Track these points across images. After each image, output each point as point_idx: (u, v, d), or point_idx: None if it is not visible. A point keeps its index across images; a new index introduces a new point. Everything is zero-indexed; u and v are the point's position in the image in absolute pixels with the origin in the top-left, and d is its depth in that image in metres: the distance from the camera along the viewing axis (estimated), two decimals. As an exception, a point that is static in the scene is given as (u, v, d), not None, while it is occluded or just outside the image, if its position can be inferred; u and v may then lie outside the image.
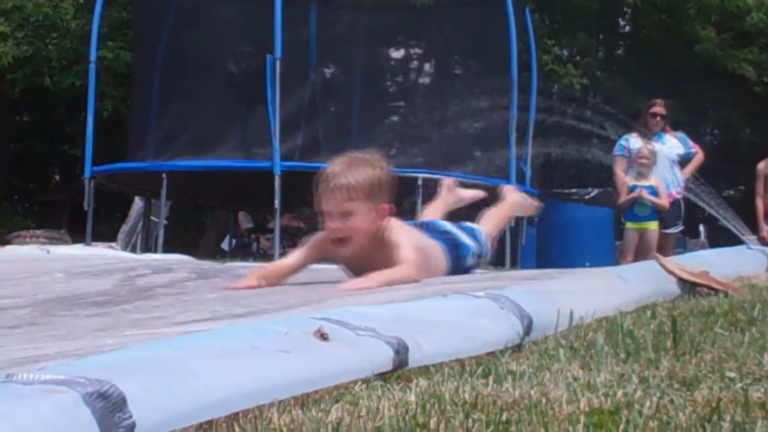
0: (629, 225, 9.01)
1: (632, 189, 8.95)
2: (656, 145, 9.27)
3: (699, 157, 9.52)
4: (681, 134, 9.61)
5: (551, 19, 18.25)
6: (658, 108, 9.38)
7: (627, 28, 20.10)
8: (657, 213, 8.97)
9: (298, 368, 1.72)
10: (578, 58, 18.16)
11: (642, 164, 8.96)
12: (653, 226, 8.96)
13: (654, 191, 8.94)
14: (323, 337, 1.85)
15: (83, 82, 13.62)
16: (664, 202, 8.92)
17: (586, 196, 13.06)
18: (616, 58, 19.75)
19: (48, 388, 1.28)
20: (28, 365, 1.81)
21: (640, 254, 8.54)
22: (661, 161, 9.25)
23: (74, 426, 1.24)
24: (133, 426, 1.31)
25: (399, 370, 1.93)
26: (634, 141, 9.35)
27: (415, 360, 1.97)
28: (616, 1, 18.34)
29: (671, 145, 9.38)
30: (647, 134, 9.31)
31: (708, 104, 17.92)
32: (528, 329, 2.39)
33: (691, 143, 9.52)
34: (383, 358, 1.90)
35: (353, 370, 1.83)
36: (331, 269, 4.39)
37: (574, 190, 13.49)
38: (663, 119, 9.38)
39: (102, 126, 12.67)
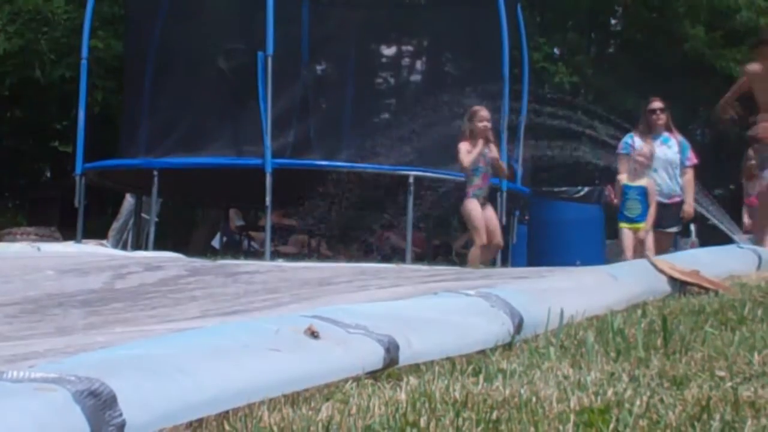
0: (622, 225, 9.00)
1: (625, 189, 8.94)
2: (659, 148, 9.23)
3: (690, 178, 9.37)
4: (684, 141, 9.51)
5: (542, 17, 18.26)
6: (656, 102, 9.33)
7: (618, 27, 20.10)
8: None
9: (288, 367, 1.71)
10: (567, 56, 18.16)
11: (638, 162, 8.97)
12: (643, 226, 8.94)
13: (644, 192, 8.94)
14: (314, 335, 1.85)
15: (74, 73, 13.59)
16: (652, 204, 8.92)
17: (575, 195, 13.08)
18: (607, 56, 19.77)
19: (38, 386, 1.28)
20: (18, 363, 1.81)
21: (637, 254, 8.56)
22: (663, 164, 9.22)
23: (65, 424, 1.24)
24: (123, 424, 1.31)
25: (390, 368, 1.93)
26: (639, 139, 9.32)
27: (405, 358, 1.97)
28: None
29: (674, 149, 9.32)
30: (647, 134, 9.28)
31: (698, 103, 17.93)
32: (519, 327, 2.39)
33: (689, 154, 9.40)
34: (374, 356, 1.90)
35: (344, 369, 1.83)
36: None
37: (564, 189, 13.51)
38: (663, 112, 9.29)
39: (93, 122, 12.63)
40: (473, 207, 8.94)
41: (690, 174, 9.34)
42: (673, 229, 9.45)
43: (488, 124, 8.99)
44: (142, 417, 1.34)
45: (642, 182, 8.96)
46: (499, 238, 9.16)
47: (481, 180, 8.97)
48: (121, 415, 1.30)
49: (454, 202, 10.39)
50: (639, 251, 8.63)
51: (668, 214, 9.21)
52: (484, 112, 9.12)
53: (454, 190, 10.65)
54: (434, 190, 11.05)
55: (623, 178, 8.99)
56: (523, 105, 12.26)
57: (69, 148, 15.40)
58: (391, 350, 1.93)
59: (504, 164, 9.34)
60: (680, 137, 9.48)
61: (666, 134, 9.34)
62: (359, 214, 12.31)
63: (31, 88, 17.83)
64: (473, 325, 2.26)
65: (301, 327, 1.85)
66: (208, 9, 13.01)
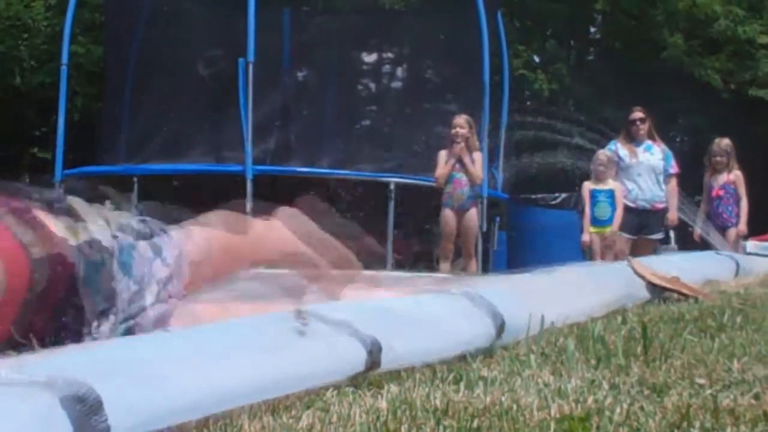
0: (592, 229, 9.08)
1: (592, 193, 9.03)
2: (642, 155, 9.30)
3: (673, 186, 9.44)
4: (667, 150, 9.59)
5: (522, 24, 18.29)
6: (636, 113, 9.41)
7: (598, 35, 20.17)
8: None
9: (273, 369, 1.72)
10: (547, 64, 18.19)
11: (598, 170, 9.09)
12: (611, 228, 9.04)
13: (612, 195, 9.03)
14: (303, 321, 1.84)
15: (54, 79, 13.55)
16: (619, 208, 8.99)
17: (552, 201, 13.12)
18: (586, 64, 19.83)
19: (24, 390, 1.27)
20: (3, 368, 1.80)
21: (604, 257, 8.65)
22: (646, 169, 9.29)
23: (51, 430, 1.24)
24: (107, 429, 1.31)
25: (372, 371, 1.93)
26: (621, 147, 9.39)
27: (388, 360, 1.97)
28: (586, 7, 18.42)
29: (657, 156, 9.39)
30: (630, 142, 9.35)
31: (677, 111, 18.00)
32: (501, 330, 2.39)
33: (673, 163, 9.49)
34: (356, 358, 1.90)
35: (327, 371, 1.83)
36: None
37: (541, 195, 13.55)
38: (643, 122, 9.37)
39: (72, 128, 12.58)
40: (442, 217, 8.92)
41: (674, 182, 9.42)
42: (657, 236, 9.49)
43: (460, 131, 8.93)
44: (126, 422, 1.34)
45: (609, 186, 9.04)
46: (469, 250, 9.06)
47: (453, 187, 8.92)
48: (106, 420, 1.30)
49: (435, 208, 10.41)
50: (606, 255, 8.71)
51: (651, 220, 9.27)
52: (457, 119, 9.13)
53: (435, 197, 10.68)
54: (415, 196, 11.06)
55: (589, 183, 9.10)
56: (503, 112, 12.29)
57: (48, 154, 15.33)
58: (374, 352, 1.93)
59: (478, 171, 9.16)
60: (663, 146, 9.57)
61: (649, 142, 9.42)
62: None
63: (10, 95, 17.76)
64: (456, 325, 2.27)
65: (285, 327, 1.85)
66: (188, 16, 13.00)
